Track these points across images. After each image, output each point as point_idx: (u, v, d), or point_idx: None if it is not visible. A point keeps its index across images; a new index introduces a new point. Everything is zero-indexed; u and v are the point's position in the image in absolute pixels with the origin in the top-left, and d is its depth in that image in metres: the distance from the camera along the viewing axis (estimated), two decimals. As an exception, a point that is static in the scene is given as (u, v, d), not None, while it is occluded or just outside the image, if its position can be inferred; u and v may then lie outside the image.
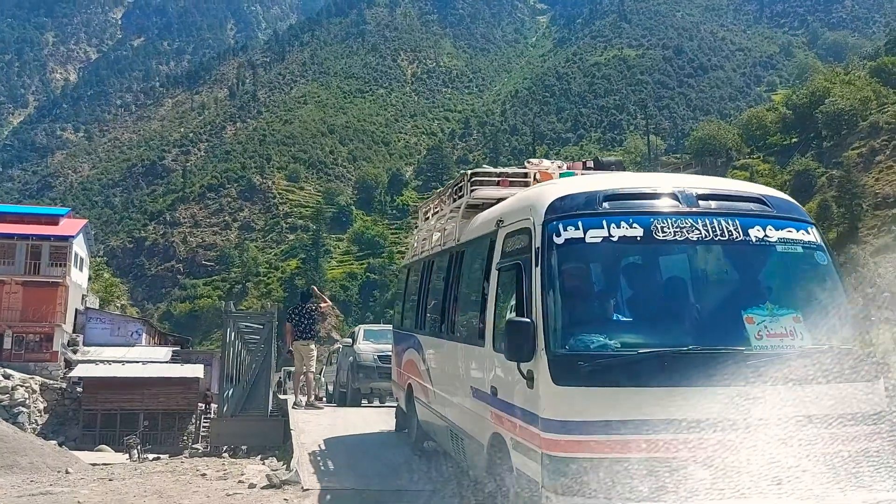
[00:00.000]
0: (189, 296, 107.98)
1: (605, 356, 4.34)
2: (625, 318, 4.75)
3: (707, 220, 4.69)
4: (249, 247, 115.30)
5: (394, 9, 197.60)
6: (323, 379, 22.15)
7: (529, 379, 4.49)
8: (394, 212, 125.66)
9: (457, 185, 7.31)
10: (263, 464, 10.18)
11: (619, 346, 4.40)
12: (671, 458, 4.10)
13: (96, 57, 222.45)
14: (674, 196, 4.82)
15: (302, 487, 7.29)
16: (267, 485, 7.63)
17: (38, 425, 37.86)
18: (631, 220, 4.63)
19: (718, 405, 4.17)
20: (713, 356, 4.30)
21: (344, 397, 15.66)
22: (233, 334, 14.62)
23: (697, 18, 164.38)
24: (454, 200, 7.30)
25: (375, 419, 11.77)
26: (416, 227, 9.96)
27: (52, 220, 50.88)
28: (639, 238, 4.60)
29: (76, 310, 48.38)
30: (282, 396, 16.10)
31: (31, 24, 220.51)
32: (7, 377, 39.32)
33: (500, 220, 5.48)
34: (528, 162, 6.89)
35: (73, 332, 47.52)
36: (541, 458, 4.35)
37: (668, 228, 4.64)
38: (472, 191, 6.81)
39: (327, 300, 15.94)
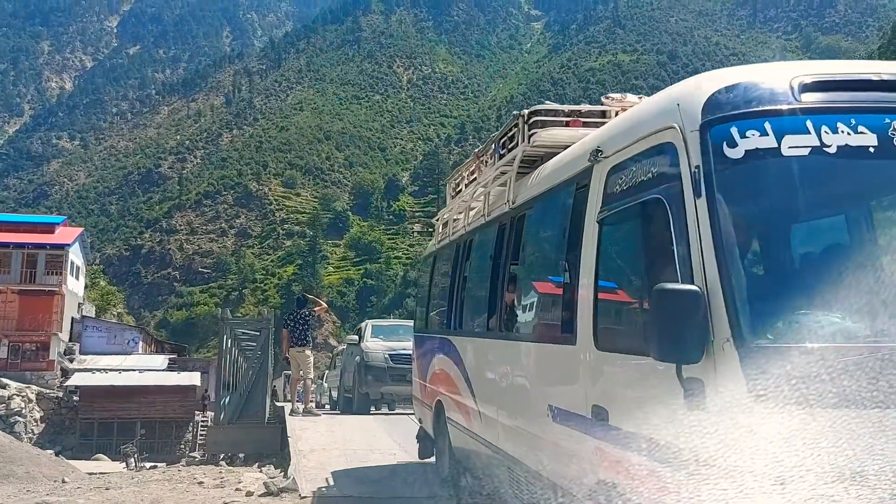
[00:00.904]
0: (186, 303, 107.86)
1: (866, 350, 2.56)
2: (860, 282, 2.73)
3: None
4: (246, 253, 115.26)
5: (389, 16, 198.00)
6: (326, 384, 21.47)
7: (694, 393, 2.68)
8: (390, 217, 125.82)
9: (506, 132, 5.44)
10: (261, 471, 10.16)
11: (867, 333, 2.62)
12: None
13: (92, 65, 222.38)
14: None
15: (300, 495, 7.26)
16: (264, 492, 7.60)
17: (34, 434, 37.71)
18: (855, 121, 2.89)
19: None
20: None
21: (350, 403, 14.23)
22: (229, 341, 14.59)
23: (691, 24, 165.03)
24: (500, 157, 5.54)
25: (383, 441, 10.48)
26: (442, 210, 7.98)
27: (48, 228, 50.76)
28: (871, 150, 2.86)
29: (72, 318, 48.25)
30: (279, 403, 16.06)
31: (26, 33, 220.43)
32: (3, 386, 39.17)
33: (598, 151, 3.76)
34: (607, 97, 5.19)
35: (70, 340, 47.38)
36: None
37: None
38: (530, 135, 4.97)
39: (322, 303, 15.15)
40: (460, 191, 6.97)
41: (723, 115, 2.93)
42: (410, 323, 16.39)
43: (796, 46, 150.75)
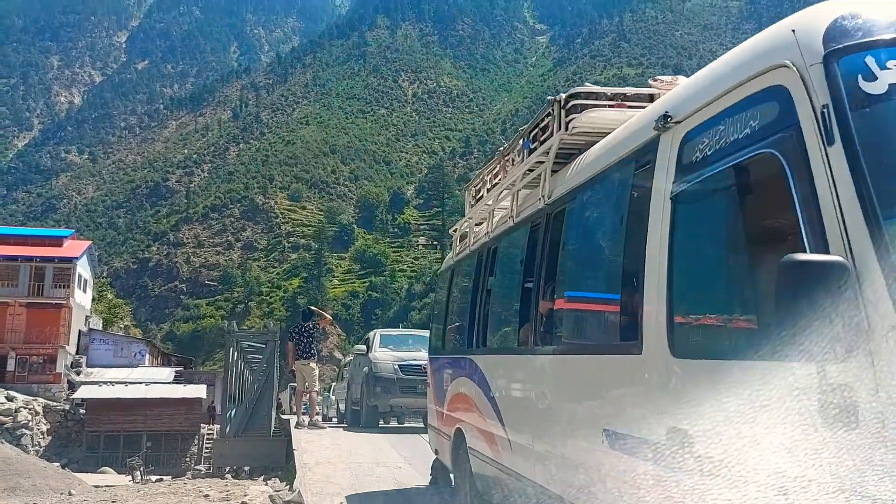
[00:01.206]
0: (192, 316, 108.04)
1: None
2: None
3: None
4: (252, 266, 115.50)
5: (395, 30, 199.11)
6: (333, 397, 21.22)
7: (840, 406, 1.94)
8: (395, 230, 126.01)
9: (538, 123, 4.83)
10: (266, 484, 10.19)
11: None
12: None
13: (101, 80, 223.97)
14: None
15: (304, 507, 7.29)
16: (270, 505, 7.64)
17: (40, 447, 37.76)
18: None
19: None
20: None
21: (358, 416, 13.80)
22: (235, 354, 14.65)
23: (696, 37, 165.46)
24: (529, 152, 4.90)
25: (389, 454, 10.41)
26: (460, 221, 7.50)
27: (56, 241, 51.02)
28: None
29: (79, 331, 48.39)
30: (284, 416, 16.01)
31: (36, 48, 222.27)
32: (10, 399, 39.27)
33: (666, 117, 3.17)
34: (655, 80, 4.66)
35: (77, 353, 47.49)
36: None
37: None
38: (567, 122, 4.37)
39: (327, 316, 15.15)
40: (481, 197, 6.34)
41: (853, 42, 2.36)
42: (420, 332, 15.50)
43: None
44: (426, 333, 16.11)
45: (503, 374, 5.23)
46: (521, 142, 5.12)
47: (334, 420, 18.83)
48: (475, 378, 5.72)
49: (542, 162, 4.71)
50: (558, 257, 4.35)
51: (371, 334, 14.88)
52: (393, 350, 13.28)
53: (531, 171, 4.95)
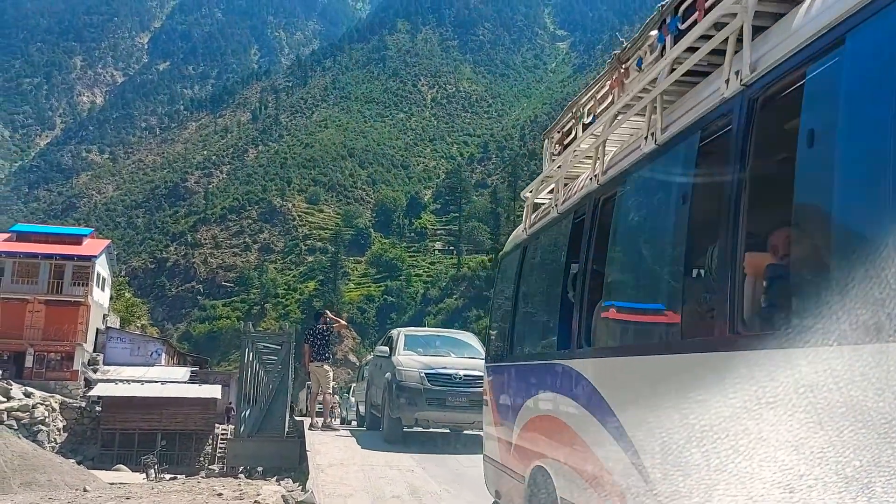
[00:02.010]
0: (208, 316, 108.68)
1: None
2: None
3: None
4: (269, 268, 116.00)
5: (415, 35, 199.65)
6: (353, 398, 20.70)
7: None
8: (412, 235, 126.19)
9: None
10: (279, 485, 10.20)
11: None
12: None
13: (122, 80, 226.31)
14: None
15: (317, 508, 7.29)
16: (282, 505, 7.65)
17: (56, 444, 38.07)
18: None
19: None
20: None
21: (377, 423, 12.73)
22: (251, 355, 14.71)
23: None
24: (676, 39, 3.20)
25: (402, 457, 10.13)
26: (533, 183, 5.90)
27: (76, 240, 51.50)
28: None
29: (97, 329, 48.79)
30: (298, 418, 16.03)
31: (60, 49, 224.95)
32: (28, 395, 39.64)
33: None
34: None
35: (94, 351, 47.88)
36: None
37: None
38: None
39: (341, 321, 15.12)
40: (573, 138, 4.71)
41: None
42: (450, 333, 15.52)
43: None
44: (457, 334, 15.14)
45: (645, 386, 3.32)
46: (655, 32, 3.47)
47: (353, 423, 18.44)
48: (577, 394, 4.06)
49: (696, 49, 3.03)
50: (769, 173, 2.71)
51: (394, 333, 13.34)
52: (419, 354, 11.94)
53: (676, 68, 3.21)
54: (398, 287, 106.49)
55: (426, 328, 15.78)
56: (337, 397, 28.30)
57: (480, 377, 9.42)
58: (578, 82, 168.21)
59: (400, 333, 13.04)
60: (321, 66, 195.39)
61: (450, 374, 11.24)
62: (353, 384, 19.41)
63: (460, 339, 13.80)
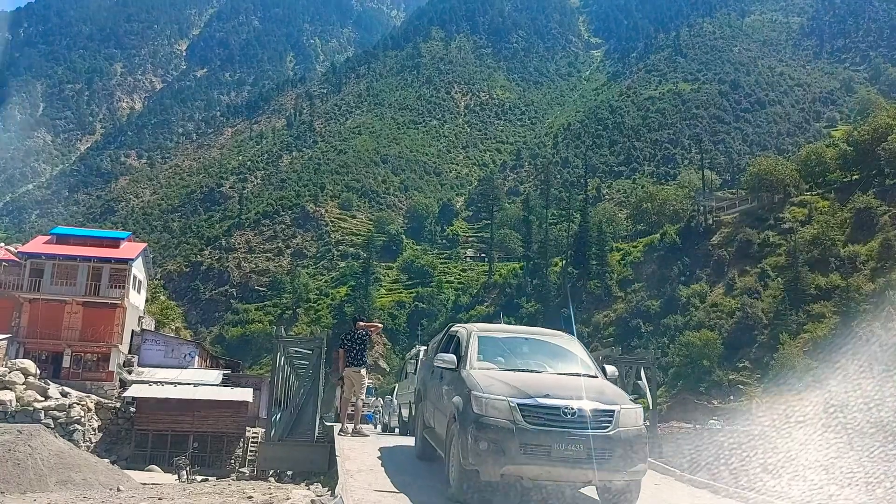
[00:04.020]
0: (241, 320, 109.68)
1: None
2: None
3: None
4: (301, 273, 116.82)
5: (449, 42, 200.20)
6: (396, 401, 19.01)
7: None
8: (443, 241, 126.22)
9: None
10: (308, 489, 10.22)
11: None
12: None
13: (161, 87, 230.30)
14: None
15: (346, 514, 7.27)
16: (311, 510, 7.65)
17: (91, 443, 38.71)
18: None
19: None
20: None
21: (430, 447, 9.60)
22: (283, 359, 14.78)
23: (755, 53, 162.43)
24: None
25: (430, 463, 9.38)
26: None
27: (114, 243, 52.42)
28: None
29: (132, 331, 49.53)
30: (328, 423, 16.01)
31: (101, 55, 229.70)
32: (64, 395, 40.38)
33: None
34: None
35: (129, 352, 48.62)
36: None
37: None
38: None
39: (374, 324, 15.03)
40: None
41: None
42: (542, 334, 9.71)
43: (864, 78, 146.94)
44: (551, 335, 9.63)
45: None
46: None
47: (396, 431, 17.11)
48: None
49: None
50: None
51: (462, 332, 9.24)
52: (501, 367, 8.30)
53: None
54: (429, 294, 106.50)
55: (505, 325, 11.21)
56: (381, 399, 28.21)
57: (610, 412, 7.41)
58: (613, 90, 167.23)
59: (472, 334, 8.94)
60: (355, 73, 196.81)
61: (558, 408, 7.36)
62: (396, 385, 18.28)
63: (556, 343, 9.27)
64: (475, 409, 7.40)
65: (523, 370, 8.21)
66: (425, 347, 14.13)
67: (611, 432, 7.34)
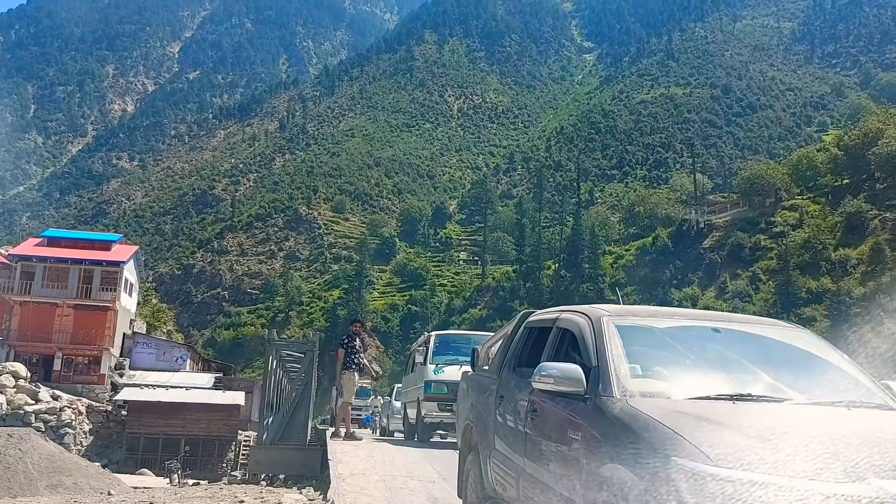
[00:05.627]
0: (233, 323, 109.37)
1: None
2: None
3: None
4: (294, 276, 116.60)
5: (442, 46, 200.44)
6: (398, 403, 17.85)
7: None
8: (436, 244, 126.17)
9: None
10: (300, 493, 10.21)
11: None
12: None
13: (153, 89, 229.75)
14: None
15: (338, 518, 7.26)
16: (304, 514, 7.65)
17: (82, 446, 38.52)
18: None
19: None
20: None
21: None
22: (275, 362, 14.76)
23: (746, 58, 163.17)
24: None
25: (423, 468, 10.01)
26: None
27: (105, 245, 52.21)
28: None
29: (124, 334, 49.34)
30: (320, 427, 15.98)
31: (93, 57, 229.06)
32: (55, 398, 40.19)
33: None
34: None
35: (121, 355, 48.42)
36: None
37: None
38: None
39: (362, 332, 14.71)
40: None
41: None
42: (761, 323, 4.63)
43: (855, 83, 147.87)
44: (773, 328, 4.54)
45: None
46: None
47: (398, 436, 16.51)
48: None
49: None
50: None
51: (577, 323, 4.31)
52: (686, 390, 3.61)
53: None
54: (422, 296, 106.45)
55: (657, 308, 4.55)
56: (380, 399, 28.16)
57: None
58: (605, 94, 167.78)
59: (604, 323, 4.07)
60: (348, 75, 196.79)
61: None
62: (398, 385, 16.87)
63: (777, 339, 4.44)
64: None
65: (732, 397, 3.46)
66: (435, 334, 12.99)
67: None
